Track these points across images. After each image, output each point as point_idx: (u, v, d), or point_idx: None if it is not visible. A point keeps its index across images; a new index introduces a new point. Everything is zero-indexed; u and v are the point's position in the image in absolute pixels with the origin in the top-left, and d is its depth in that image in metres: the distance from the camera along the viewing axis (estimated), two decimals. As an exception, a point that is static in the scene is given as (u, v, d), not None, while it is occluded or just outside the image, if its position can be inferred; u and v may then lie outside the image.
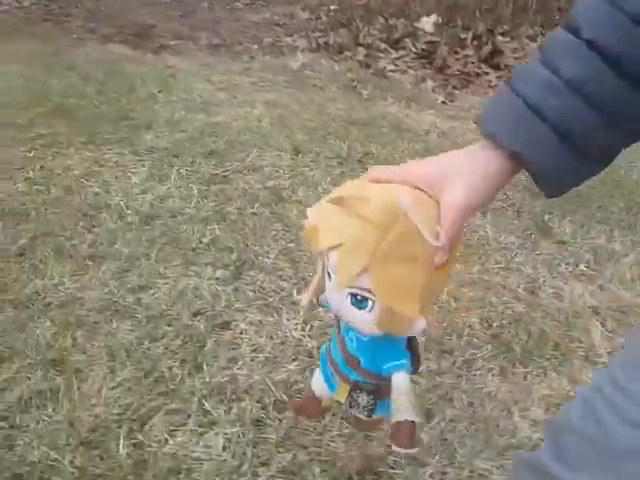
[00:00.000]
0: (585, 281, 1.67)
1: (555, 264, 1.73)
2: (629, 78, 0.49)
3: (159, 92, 2.80)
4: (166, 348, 1.30)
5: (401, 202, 0.56)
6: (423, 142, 2.48)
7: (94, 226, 1.74)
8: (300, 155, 2.27)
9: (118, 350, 1.28)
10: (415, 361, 0.69)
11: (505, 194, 2.05)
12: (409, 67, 3.41)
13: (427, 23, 3.64)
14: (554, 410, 1.23)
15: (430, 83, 3.22)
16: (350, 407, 0.76)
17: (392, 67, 3.36)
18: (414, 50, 3.51)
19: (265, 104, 2.77)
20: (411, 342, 0.70)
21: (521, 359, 1.37)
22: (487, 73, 3.41)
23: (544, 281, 1.66)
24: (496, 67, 3.46)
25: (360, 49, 3.53)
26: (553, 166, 0.53)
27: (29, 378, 1.20)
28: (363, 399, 0.74)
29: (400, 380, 0.66)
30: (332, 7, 4.54)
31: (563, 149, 0.52)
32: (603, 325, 1.50)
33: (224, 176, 2.08)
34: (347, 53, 3.51)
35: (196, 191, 1.96)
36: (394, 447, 0.64)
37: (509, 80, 0.55)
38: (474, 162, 0.55)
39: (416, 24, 3.71)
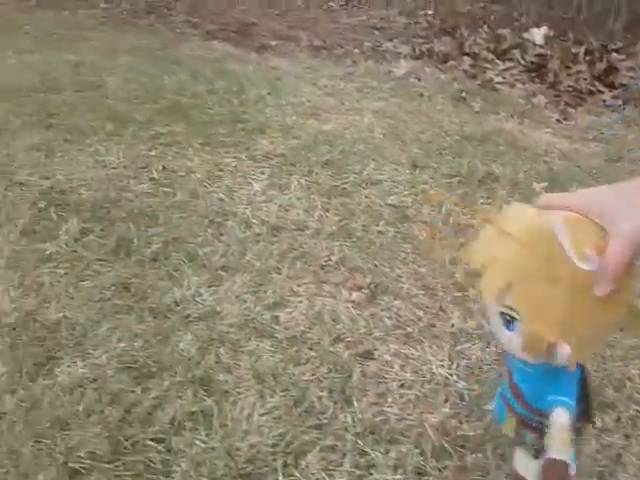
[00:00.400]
0: None
1: None
2: None
3: (268, 94, 2.78)
4: (312, 375, 1.25)
5: (553, 222, 0.54)
6: (545, 163, 2.36)
7: (222, 234, 1.72)
8: (417, 170, 2.19)
9: (265, 373, 1.24)
10: (584, 406, 0.66)
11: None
12: (517, 80, 3.27)
13: (537, 35, 3.48)
14: None
15: (542, 98, 3.07)
16: (519, 444, 0.72)
17: (500, 79, 3.23)
18: (523, 62, 3.37)
19: (374, 113, 2.70)
20: (585, 388, 0.66)
21: (690, 422, 1.25)
22: (601, 92, 3.23)
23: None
24: (610, 85, 3.28)
25: (465, 58, 3.41)
26: None
27: (180, 397, 1.17)
28: (529, 437, 0.69)
29: (558, 416, 0.61)
30: (429, 12, 4.43)
31: None
32: None
33: (343, 188, 2.02)
34: (452, 62, 3.40)
35: (319, 203, 1.91)
36: None
37: None
38: None
39: (525, 35, 3.56)
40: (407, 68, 3.29)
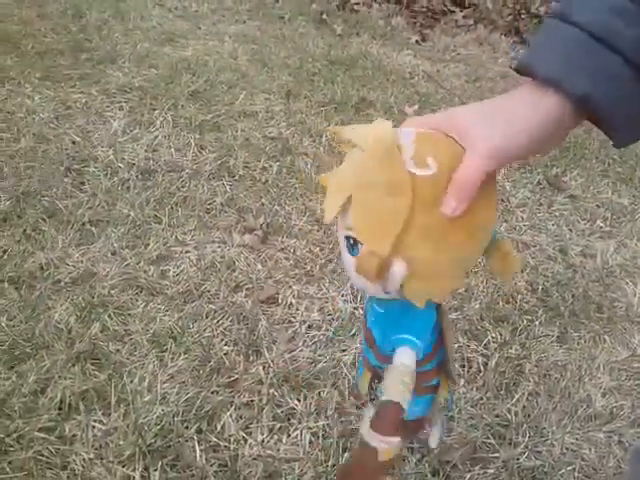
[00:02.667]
0: (606, 238, 1.67)
1: (574, 221, 1.72)
2: None
3: (111, 18, 2.44)
4: (215, 330, 1.15)
5: (402, 132, 0.47)
6: (412, 87, 2.35)
7: (83, 183, 1.50)
8: (291, 99, 2.07)
9: (161, 335, 1.11)
10: (442, 358, 0.57)
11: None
12: (374, 1, 3.21)
13: (390, -47, 3.42)
14: (619, 376, 1.23)
15: (400, 20, 3.05)
16: (371, 401, 0.61)
17: (358, 0, 3.15)
18: (378, -18, 3.30)
19: (234, 37, 2.49)
20: (444, 338, 0.56)
21: (572, 323, 1.35)
22: (452, 11, 3.29)
23: (569, 239, 1.64)
24: (461, 5, 3.34)
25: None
26: (627, 106, 0.44)
27: (65, 377, 1.01)
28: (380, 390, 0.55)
29: (398, 355, 0.51)
30: None
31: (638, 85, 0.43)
32: (634, 284, 1.51)
33: (215, 122, 1.86)
34: (308, -19, 3.24)
35: (191, 140, 1.73)
36: (369, 433, 0.50)
37: (558, 12, 0.45)
38: (515, 109, 0.45)
39: (378, -47, 3.47)
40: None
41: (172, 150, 1.68)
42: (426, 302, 0.49)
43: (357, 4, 3.14)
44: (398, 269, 0.45)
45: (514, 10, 3.33)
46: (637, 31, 0.42)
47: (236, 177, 1.62)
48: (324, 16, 2.86)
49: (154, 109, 1.85)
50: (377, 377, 0.57)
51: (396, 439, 0.49)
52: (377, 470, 0.52)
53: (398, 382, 0.50)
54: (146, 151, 1.65)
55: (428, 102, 2.22)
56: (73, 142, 1.63)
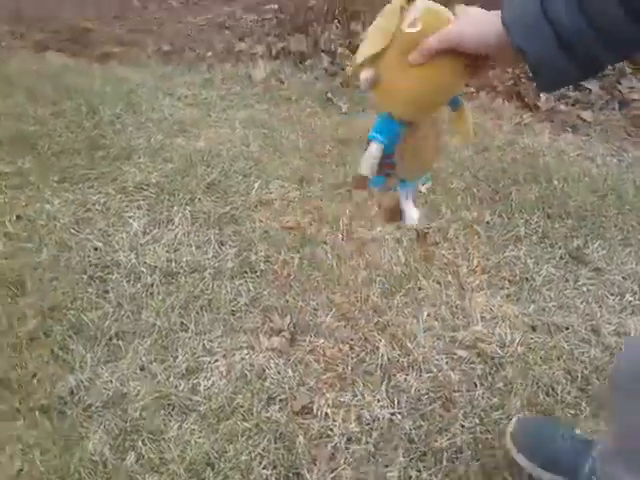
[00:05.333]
0: (637, 313, 1.64)
1: (602, 296, 1.69)
2: (633, 13, 0.57)
3: (123, 112, 2.50)
4: (252, 452, 1.11)
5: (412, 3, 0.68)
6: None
7: (107, 292, 1.49)
8: (305, 184, 2.09)
9: (198, 463, 1.08)
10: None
11: (527, 219, 1.99)
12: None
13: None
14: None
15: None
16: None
17: (360, 75, 3.23)
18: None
19: (244, 123, 2.54)
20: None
21: (616, 414, 1.31)
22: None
23: (601, 317, 1.61)
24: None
25: (323, 56, 3.36)
26: (549, 64, 0.62)
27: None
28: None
29: (369, 146, 0.74)
30: (275, 7, 4.33)
31: (560, 53, 0.61)
32: (673, 363, 1.47)
33: (232, 215, 1.87)
34: (310, 61, 3.33)
35: (211, 236, 1.73)
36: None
37: None
38: (489, 23, 0.64)
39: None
40: (267, 70, 3.16)
41: (193, 248, 1.68)
42: (389, 114, 0.71)
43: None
44: (363, 74, 0.70)
45: (514, 74, 3.40)
46: (569, 20, 0.59)
47: (258, 273, 1.61)
48: (329, 95, 2.92)
49: (172, 205, 1.87)
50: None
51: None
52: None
53: (364, 160, 0.74)
54: (167, 252, 1.65)
55: (440, 177, 2.23)
56: (95, 248, 1.63)
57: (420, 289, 1.60)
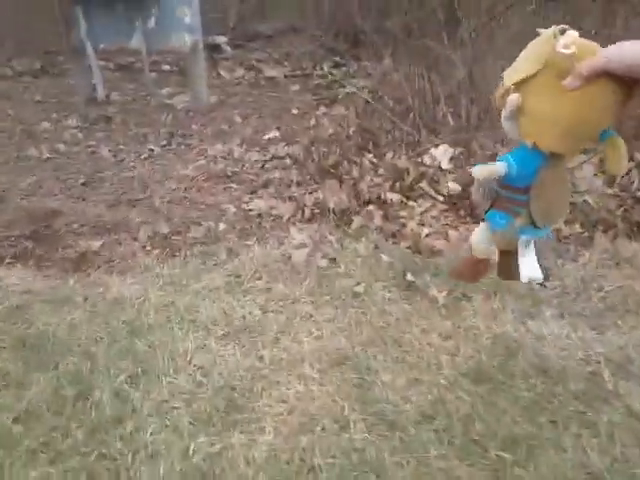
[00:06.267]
0: None
1: None
2: None
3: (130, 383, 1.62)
4: None
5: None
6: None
7: None
8: None
9: None
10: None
11: None
12: (449, 225, 2.51)
13: (442, 155, 2.80)
14: None
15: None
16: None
17: (430, 229, 2.44)
18: (439, 198, 2.63)
19: (331, 373, 1.69)
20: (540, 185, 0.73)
21: None
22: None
23: None
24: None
25: (372, 210, 2.58)
26: None
27: None
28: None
29: (495, 162, 0.73)
30: (276, 135, 3.60)
31: None
32: None
33: None
34: (357, 219, 2.53)
35: None
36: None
37: None
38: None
39: (426, 158, 2.85)
40: (307, 243, 2.34)
41: None
42: (533, 143, 0.69)
43: (433, 234, 2.43)
44: (512, 97, 0.68)
45: None
46: None
47: None
48: (409, 276, 2.10)
49: None
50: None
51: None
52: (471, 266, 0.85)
53: (482, 166, 0.72)
54: None
55: None
56: None
57: None
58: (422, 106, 3.25)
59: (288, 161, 3.14)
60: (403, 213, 2.54)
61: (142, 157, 3.37)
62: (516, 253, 0.77)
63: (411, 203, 2.60)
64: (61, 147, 3.51)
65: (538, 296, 1.99)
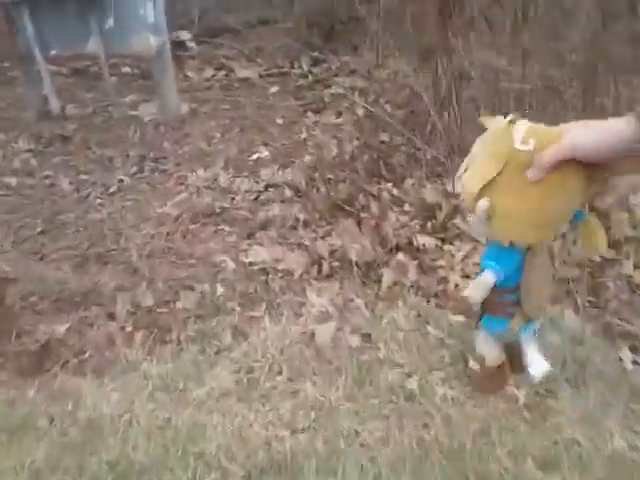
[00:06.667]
0: None
1: None
2: None
3: None
4: None
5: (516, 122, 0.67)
6: None
7: None
8: None
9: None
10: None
11: None
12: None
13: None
14: None
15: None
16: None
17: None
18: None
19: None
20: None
21: None
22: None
23: None
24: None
25: (405, 260, 2.10)
26: None
27: None
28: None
29: (481, 274, 0.72)
30: (265, 155, 3.09)
31: None
32: None
33: None
34: (387, 274, 2.06)
35: None
36: None
37: None
38: (607, 129, 0.62)
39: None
40: (324, 306, 1.86)
41: None
42: (509, 242, 0.69)
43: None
44: (481, 203, 0.67)
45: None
46: None
47: None
48: (472, 364, 1.64)
49: None
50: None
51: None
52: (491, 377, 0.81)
53: (474, 287, 0.71)
54: None
55: None
56: None
57: None
58: (427, 114, 2.76)
59: (287, 191, 2.63)
60: (441, 262, 2.08)
61: (110, 190, 2.81)
62: (504, 365, 0.80)
63: (448, 247, 2.14)
64: (12, 181, 2.92)
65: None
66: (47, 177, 2.98)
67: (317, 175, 2.64)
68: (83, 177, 2.95)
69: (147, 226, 2.48)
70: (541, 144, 0.63)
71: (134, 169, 3.00)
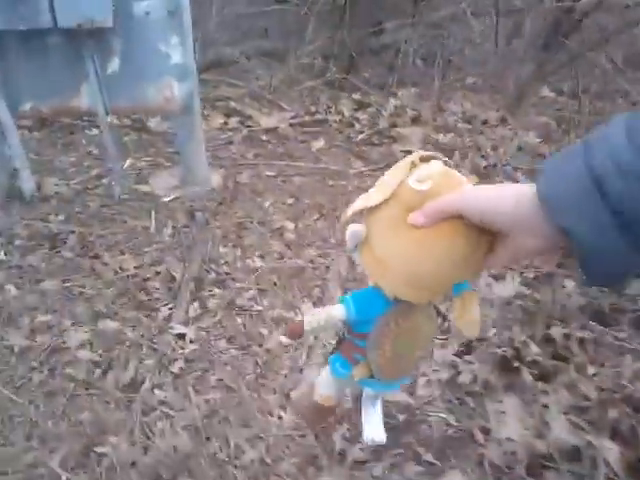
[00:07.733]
0: None
1: None
2: None
3: None
4: None
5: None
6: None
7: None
8: None
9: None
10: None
11: None
12: None
13: None
14: None
15: None
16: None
17: None
18: None
19: None
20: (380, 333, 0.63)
21: None
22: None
23: None
24: None
25: None
26: (601, 248, 0.48)
27: None
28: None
29: (333, 306, 0.64)
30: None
31: (615, 231, 0.46)
32: None
33: None
34: None
35: None
36: None
37: (581, 148, 0.49)
38: (504, 192, 0.54)
39: None
40: None
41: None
42: (374, 284, 0.60)
43: None
44: (351, 229, 0.60)
45: None
46: (625, 185, 0.44)
47: None
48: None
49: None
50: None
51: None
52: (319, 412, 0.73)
53: (317, 314, 0.62)
54: None
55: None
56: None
57: None
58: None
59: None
60: None
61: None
62: (333, 412, 0.73)
63: None
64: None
65: None
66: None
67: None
68: (86, 327, 1.83)
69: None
70: (441, 189, 0.55)
71: (184, 308, 1.90)
